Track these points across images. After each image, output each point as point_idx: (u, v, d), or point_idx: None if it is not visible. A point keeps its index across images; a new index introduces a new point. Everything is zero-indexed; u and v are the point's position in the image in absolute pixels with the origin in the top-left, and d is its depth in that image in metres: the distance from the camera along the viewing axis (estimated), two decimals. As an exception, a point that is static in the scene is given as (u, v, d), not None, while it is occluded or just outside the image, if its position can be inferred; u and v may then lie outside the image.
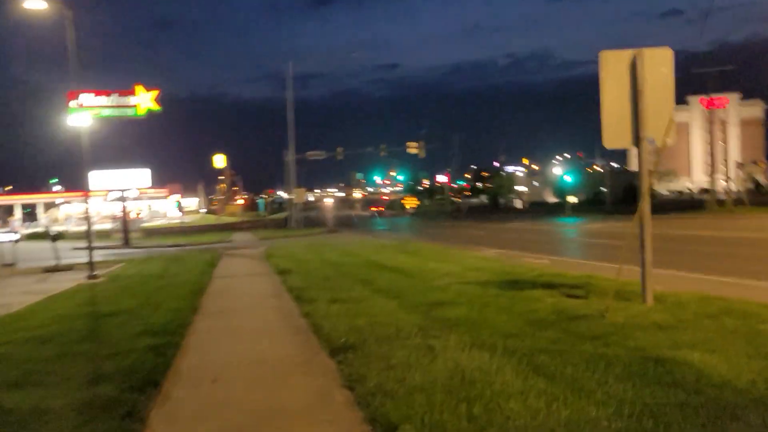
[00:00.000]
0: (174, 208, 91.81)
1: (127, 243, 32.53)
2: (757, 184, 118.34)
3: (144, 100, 34.16)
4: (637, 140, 7.23)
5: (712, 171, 48.72)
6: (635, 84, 7.09)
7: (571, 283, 9.47)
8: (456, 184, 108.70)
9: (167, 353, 5.80)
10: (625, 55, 7.14)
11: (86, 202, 40.76)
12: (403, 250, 18.08)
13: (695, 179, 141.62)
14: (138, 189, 36.08)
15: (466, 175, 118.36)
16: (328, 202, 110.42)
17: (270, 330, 7.29)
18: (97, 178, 32.63)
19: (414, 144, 53.65)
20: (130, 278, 13.22)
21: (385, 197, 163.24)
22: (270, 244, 28.42)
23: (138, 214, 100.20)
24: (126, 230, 32.96)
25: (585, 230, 29.66)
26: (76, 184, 44.38)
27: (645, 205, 7.30)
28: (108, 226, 58.02)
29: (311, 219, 61.53)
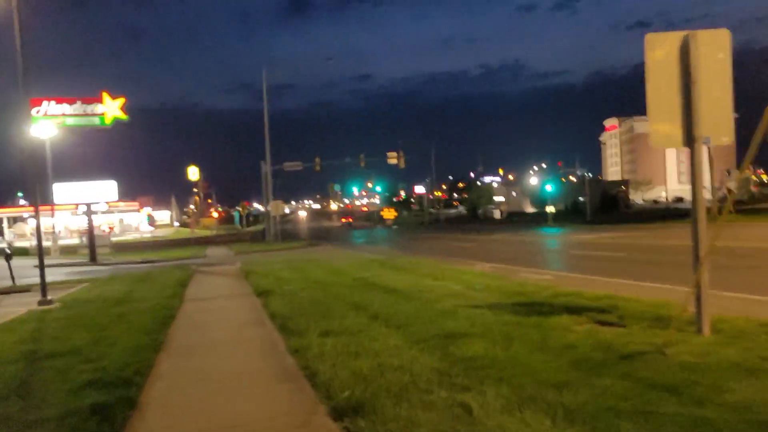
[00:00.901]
0: (145, 221, 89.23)
1: (93, 259, 30.67)
2: (729, 191, 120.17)
3: (110, 109, 32.51)
4: (689, 140, 6.08)
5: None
6: (687, 72, 5.96)
7: (595, 306, 8.29)
8: (432, 195, 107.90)
9: (117, 418, 4.41)
10: (674, 39, 6.01)
11: (52, 216, 38.61)
12: (391, 266, 16.79)
13: (670, 188, 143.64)
14: (106, 202, 34.20)
15: (442, 186, 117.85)
16: (302, 215, 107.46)
17: (253, 375, 5.93)
18: (61, 191, 30.81)
19: (393, 154, 52.58)
20: (89, 303, 11.69)
21: (364, 208, 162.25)
22: (247, 259, 26.89)
23: (111, 228, 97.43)
24: (92, 246, 31.07)
25: (574, 241, 28.70)
26: (41, 197, 42.21)
27: (701, 213, 6.15)
28: (76, 241, 55.63)
29: (288, 232, 59.88)
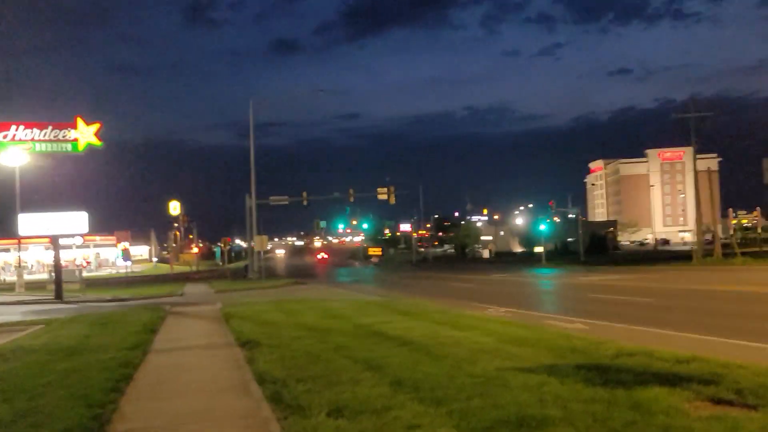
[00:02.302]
0: (127, 256, 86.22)
1: (59, 297, 28.04)
2: (713, 237, 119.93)
3: (84, 135, 30.32)
4: None
5: (698, 220, 46.87)
6: None
7: (687, 372, 6.33)
8: (417, 233, 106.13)
9: None
10: None
11: (19, 250, 35.87)
12: (394, 309, 14.70)
13: (656, 230, 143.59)
14: (81, 235, 31.75)
15: (427, 225, 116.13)
16: (279, 253, 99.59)
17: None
18: (27, 222, 28.37)
19: (384, 190, 50.84)
20: (31, 354, 9.44)
21: (342, 242, 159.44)
22: (228, 298, 24.58)
23: (87, 262, 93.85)
24: (59, 282, 28.47)
25: (581, 284, 26.78)
26: (8, 230, 39.55)
27: None
28: (46, 276, 52.60)
29: (269, 269, 57.33)
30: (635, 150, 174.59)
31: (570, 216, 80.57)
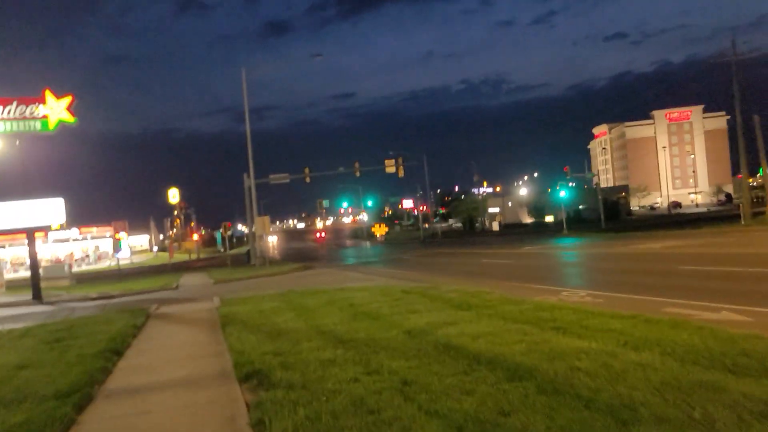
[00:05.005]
0: (119, 247, 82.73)
1: (37, 297, 24.55)
2: (728, 197, 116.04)
3: (55, 110, 26.18)
4: None
5: (743, 178, 43.02)
6: None
7: None
8: (420, 209, 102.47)
9: None
10: None
11: (12, 244, 32.09)
12: (444, 301, 11.09)
13: (665, 194, 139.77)
14: (58, 225, 28.12)
15: (424, 203, 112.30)
16: (271, 240, 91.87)
17: None
18: (-5, 212, 24.70)
19: (391, 162, 47.08)
20: None
21: (357, 223, 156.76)
22: (228, 290, 21.06)
23: (86, 255, 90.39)
24: (36, 280, 24.92)
25: (647, 253, 22.32)
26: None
27: None
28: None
29: (267, 253, 53.68)
30: (634, 115, 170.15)
31: (587, 180, 76.66)
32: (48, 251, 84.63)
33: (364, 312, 10.35)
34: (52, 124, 25.53)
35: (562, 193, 52.05)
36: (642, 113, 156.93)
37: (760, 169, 45.22)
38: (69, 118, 25.77)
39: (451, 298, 11.26)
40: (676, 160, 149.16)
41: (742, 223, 34.39)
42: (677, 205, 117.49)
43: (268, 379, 5.96)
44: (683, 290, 11.02)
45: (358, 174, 46.70)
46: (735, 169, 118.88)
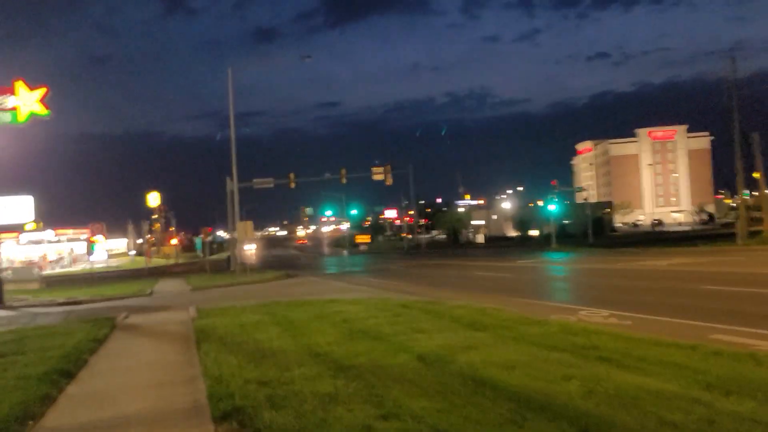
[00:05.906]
0: (94, 250, 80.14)
1: (-1, 301, 22.73)
2: (710, 217, 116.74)
3: (26, 102, 24.53)
4: None
5: (736, 194, 42.24)
6: None
7: None
8: (402, 220, 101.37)
9: None
10: None
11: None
12: (451, 318, 9.78)
13: (648, 211, 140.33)
14: (25, 223, 26.24)
15: (409, 212, 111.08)
16: (249, 249, 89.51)
17: None
18: (-47, 209, 22.92)
19: (380, 169, 45.85)
20: None
21: (341, 232, 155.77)
22: (206, 298, 19.53)
23: (61, 258, 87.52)
24: (-2, 283, 23.08)
25: (654, 271, 21.18)
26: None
27: None
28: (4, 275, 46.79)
29: (246, 261, 51.77)
30: (614, 133, 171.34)
31: (571, 195, 76.16)
32: (21, 253, 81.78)
33: (362, 330, 8.99)
34: (23, 116, 23.77)
35: (552, 207, 51.13)
36: (621, 131, 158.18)
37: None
38: (42, 110, 24.04)
39: (460, 315, 9.95)
40: (659, 178, 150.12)
41: (739, 242, 33.62)
42: (660, 222, 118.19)
43: (251, 421, 4.59)
44: (719, 314, 9.83)
45: (344, 181, 45.35)
46: (717, 189, 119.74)
